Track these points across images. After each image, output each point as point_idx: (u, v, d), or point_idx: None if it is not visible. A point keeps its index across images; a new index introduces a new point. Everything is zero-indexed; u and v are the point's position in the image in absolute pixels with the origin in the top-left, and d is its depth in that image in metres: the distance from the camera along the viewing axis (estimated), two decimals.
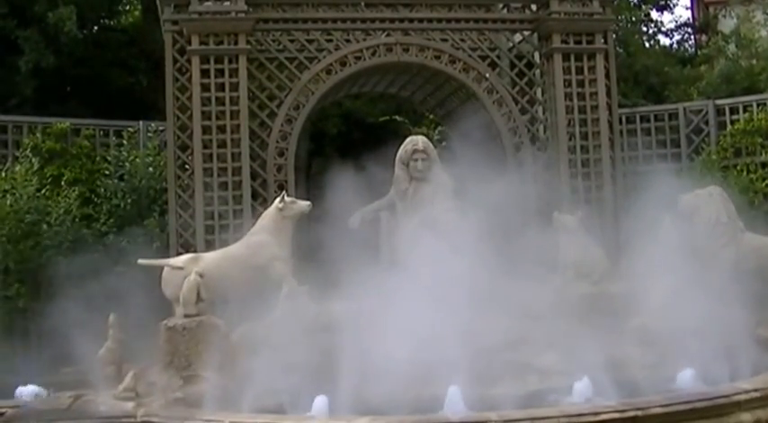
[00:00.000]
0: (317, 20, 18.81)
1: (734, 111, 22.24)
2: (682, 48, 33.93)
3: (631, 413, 10.03)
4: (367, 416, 10.03)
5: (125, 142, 20.53)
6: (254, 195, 17.82)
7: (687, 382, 12.38)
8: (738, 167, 21.26)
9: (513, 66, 19.64)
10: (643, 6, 32.30)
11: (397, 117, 25.79)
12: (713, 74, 26.41)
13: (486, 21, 19.44)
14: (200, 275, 13.76)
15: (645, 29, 32.66)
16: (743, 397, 10.72)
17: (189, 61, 17.98)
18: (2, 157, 20.13)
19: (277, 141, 18.21)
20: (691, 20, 35.50)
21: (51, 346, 13.97)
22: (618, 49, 26.33)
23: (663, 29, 33.73)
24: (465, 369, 11.49)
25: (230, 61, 17.90)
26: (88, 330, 13.55)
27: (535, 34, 19.60)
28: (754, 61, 25.78)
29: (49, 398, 13.40)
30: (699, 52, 31.21)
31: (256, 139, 18.18)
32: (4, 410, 12.26)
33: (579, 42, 19.17)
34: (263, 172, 18.06)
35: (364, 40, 18.92)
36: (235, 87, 17.85)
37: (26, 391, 14.10)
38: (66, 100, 25.44)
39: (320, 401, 11.20)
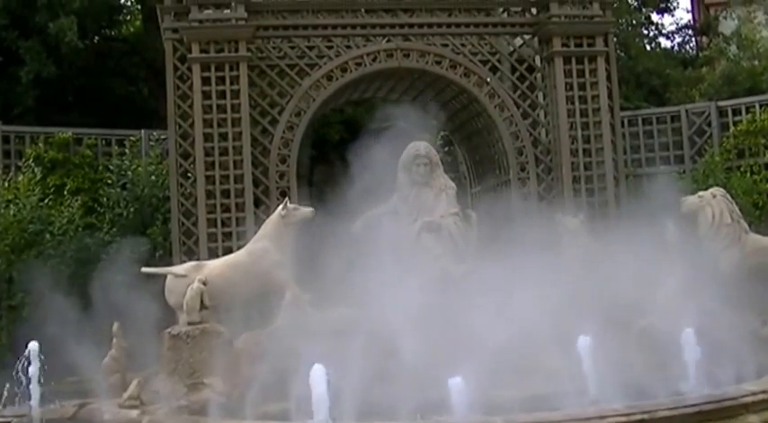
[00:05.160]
0: (317, 26, 18.80)
1: (736, 112, 22.24)
2: (683, 50, 33.95)
3: (638, 416, 9.99)
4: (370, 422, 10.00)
5: (127, 151, 20.58)
6: (257, 202, 17.79)
7: (691, 383, 12.33)
8: (742, 169, 21.24)
9: (514, 70, 19.59)
10: (643, 9, 32.33)
11: (399, 123, 25.73)
12: (715, 75, 26.44)
13: (486, 25, 19.42)
14: (204, 283, 13.77)
15: (646, 31, 32.70)
16: (750, 399, 10.68)
17: (190, 69, 17.96)
18: (4, 168, 20.16)
19: (279, 148, 18.18)
20: (691, 22, 35.53)
21: (55, 355, 13.93)
22: (619, 51, 26.35)
23: (664, 31, 33.80)
24: (471, 371, 11.46)
25: (231, 68, 17.87)
26: (92, 339, 13.53)
27: (536, 38, 19.57)
28: (756, 62, 25.81)
29: (54, 406, 13.40)
30: (700, 54, 31.25)
31: (258, 146, 18.16)
32: (9, 419, 12.26)
33: (580, 45, 19.14)
34: (265, 179, 18.03)
35: (365, 46, 18.89)
36: (236, 95, 17.83)
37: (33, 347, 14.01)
38: (68, 110, 25.47)
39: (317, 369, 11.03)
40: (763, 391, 10.88)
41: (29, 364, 13.86)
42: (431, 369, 11.74)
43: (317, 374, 10.62)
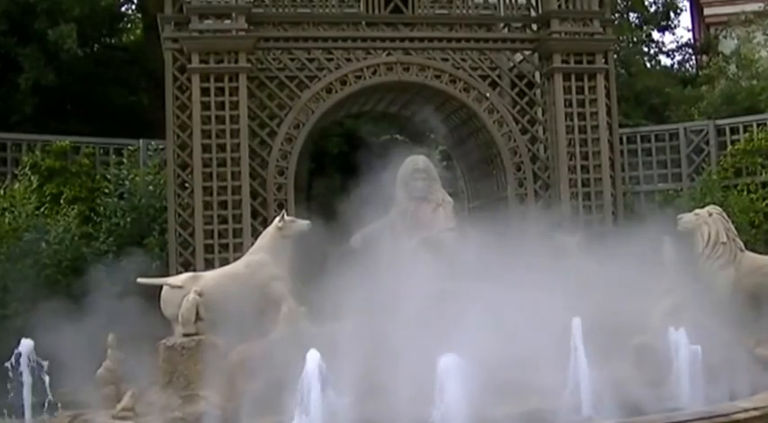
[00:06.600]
0: (317, 38, 18.81)
1: (734, 131, 22.31)
2: (683, 68, 34.06)
3: None
4: None
5: (125, 161, 20.50)
6: (254, 214, 17.78)
7: (685, 400, 12.35)
8: (739, 187, 21.31)
9: (513, 85, 19.61)
10: (644, 27, 32.44)
11: (398, 136, 25.77)
12: (714, 94, 26.46)
13: (486, 40, 19.45)
14: (200, 295, 13.73)
15: (646, 49, 32.80)
16: (742, 416, 10.71)
17: (189, 79, 17.95)
18: (1, 175, 20.11)
19: (277, 160, 18.18)
20: (692, 40, 35.64)
21: (49, 366, 13.88)
22: (619, 69, 26.41)
23: (664, 49, 33.95)
24: (465, 388, 11.44)
25: (230, 79, 17.87)
26: (87, 350, 13.49)
27: (536, 54, 19.61)
28: (755, 81, 25.82)
29: (47, 417, 13.37)
30: (700, 73, 31.30)
31: (256, 157, 18.15)
32: None
33: (580, 62, 19.17)
34: (262, 191, 18.02)
35: (365, 58, 18.90)
36: (235, 106, 17.82)
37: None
38: (67, 118, 25.40)
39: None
40: (755, 408, 10.91)
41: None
42: (425, 385, 11.72)
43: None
